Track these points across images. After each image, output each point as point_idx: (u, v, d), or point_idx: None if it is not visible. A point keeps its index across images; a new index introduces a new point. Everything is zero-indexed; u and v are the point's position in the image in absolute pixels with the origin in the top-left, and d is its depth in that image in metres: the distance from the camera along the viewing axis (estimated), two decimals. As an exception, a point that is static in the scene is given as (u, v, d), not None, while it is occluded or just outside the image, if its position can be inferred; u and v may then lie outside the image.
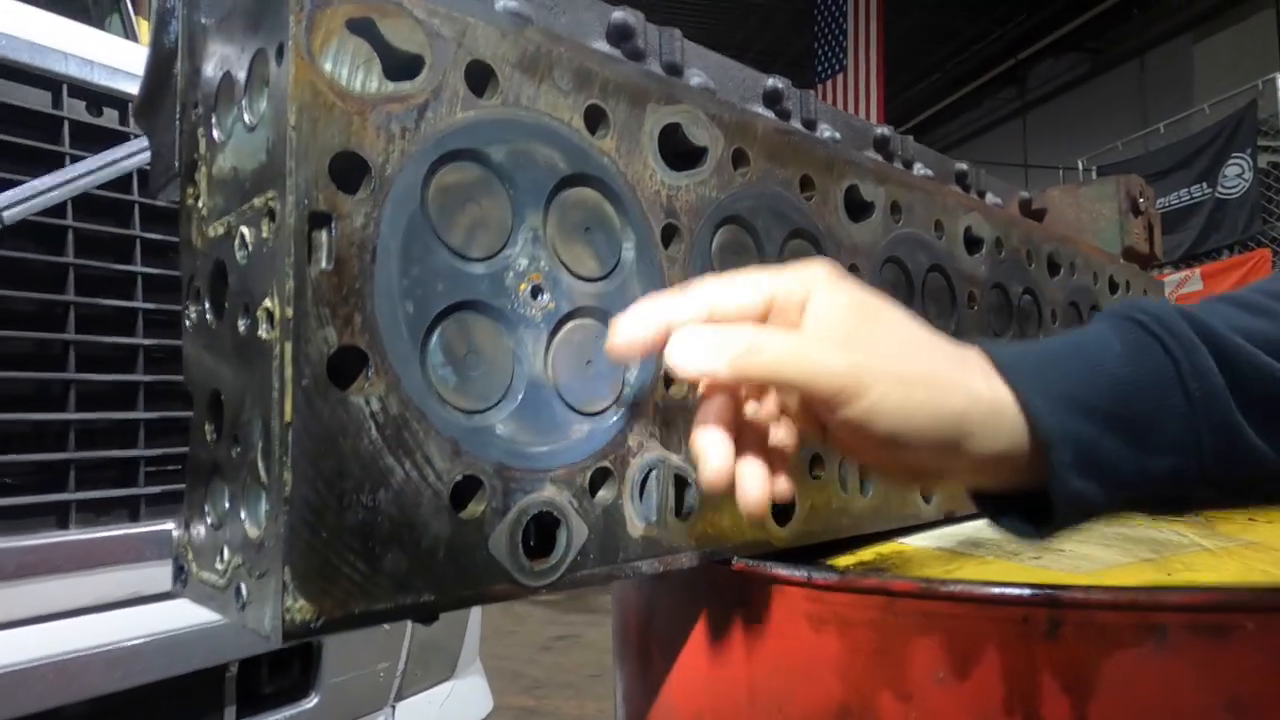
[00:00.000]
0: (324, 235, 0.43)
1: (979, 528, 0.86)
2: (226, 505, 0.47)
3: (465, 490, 0.48)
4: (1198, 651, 0.50)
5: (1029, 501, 0.45)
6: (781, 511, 0.68)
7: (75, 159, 1.26)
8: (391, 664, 1.69)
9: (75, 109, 1.28)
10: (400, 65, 0.47)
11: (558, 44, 0.55)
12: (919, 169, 1.09)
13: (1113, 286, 1.24)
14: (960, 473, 0.46)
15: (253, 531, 0.44)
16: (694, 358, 0.42)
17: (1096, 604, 0.51)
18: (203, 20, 0.53)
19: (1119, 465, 0.44)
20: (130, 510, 1.33)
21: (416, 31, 0.47)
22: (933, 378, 0.44)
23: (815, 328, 0.44)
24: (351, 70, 0.45)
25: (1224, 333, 0.44)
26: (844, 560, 0.70)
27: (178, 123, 0.56)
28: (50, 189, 1.24)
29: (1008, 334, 1.00)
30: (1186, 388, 0.43)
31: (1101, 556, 0.69)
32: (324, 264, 0.43)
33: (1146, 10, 9.44)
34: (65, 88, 1.27)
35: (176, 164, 0.56)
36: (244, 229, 0.46)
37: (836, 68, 7.89)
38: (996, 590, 0.53)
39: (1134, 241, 1.33)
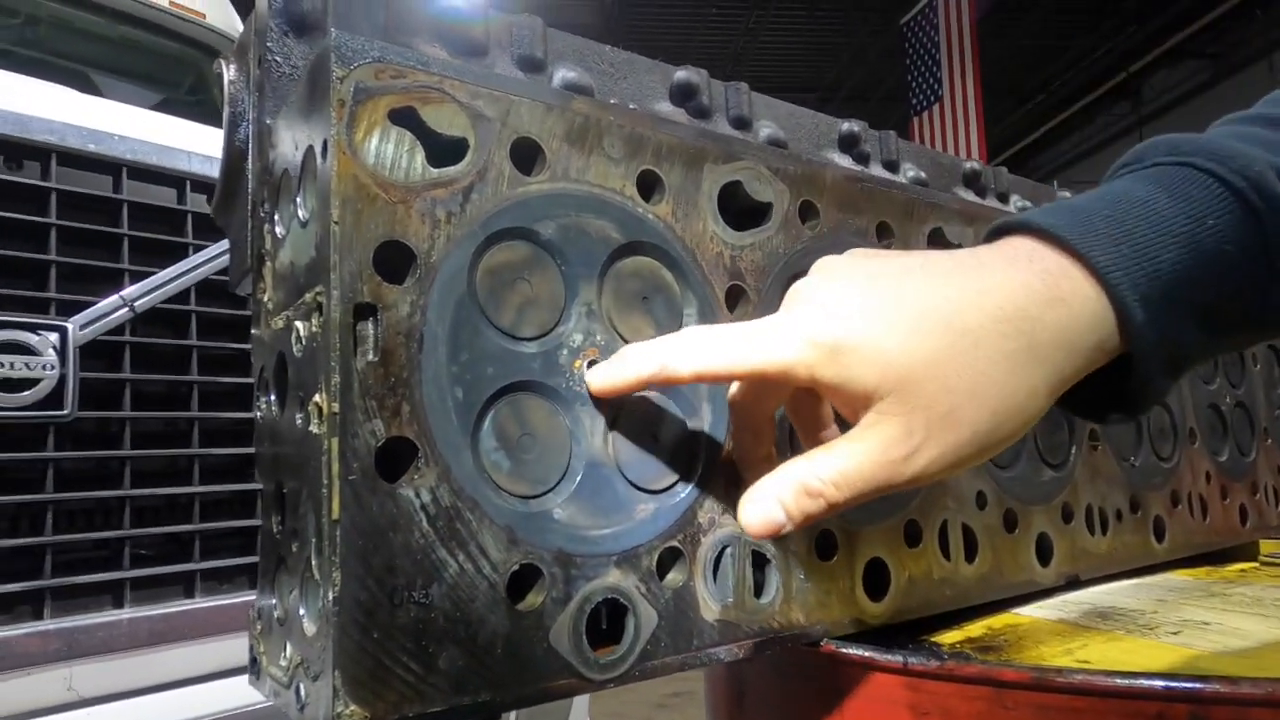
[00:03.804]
0: (370, 327, 0.43)
1: (1104, 594, 0.77)
2: (289, 601, 0.47)
3: (523, 580, 0.46)
4: (1382, 758, 0.42)
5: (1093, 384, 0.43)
6: (876, 585, 0.63)
7: (197, 249, 1.35)
8: (501, 726, 1.69)
9: (197, 202, 1.38)
10: (444, 149, 0.47)
11: (607, 112, 0.54)
12: (1015, 201, 1.03)
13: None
14: None
15: (309, 629, 0.43)
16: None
17: (1249, 699, 0.44)
18: (268, 120, 0.55)
19: (1199, 354, 0.43)
20: (250, 577, 1.39)
21: (460, 115, 0.47)
22: (989, 392, 0.40)
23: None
24: (395, 160, 0.45)
25: None
26: (949, 636, 0.64)
27: (249, 219, 0.58)
28: (175, 278, 1.34)
29: (1128, 375, 0.91)
30: (1273, 265, 0.41)
31: (1254, 631, 0.61)
32: (370, 356, 0.43)
33: (1272, 8, 8.81)
34: (188, 184, 1.37)
35: (249, 259, 0.58)
36: (298, 323, 0.46)
37: (932, 99, 7.70)
38: (1124, 682, 0.46)
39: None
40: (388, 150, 0.45)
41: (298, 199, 0.48)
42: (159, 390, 1.30)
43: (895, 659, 0.54)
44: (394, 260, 0.44)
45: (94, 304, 1.21)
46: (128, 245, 1.26)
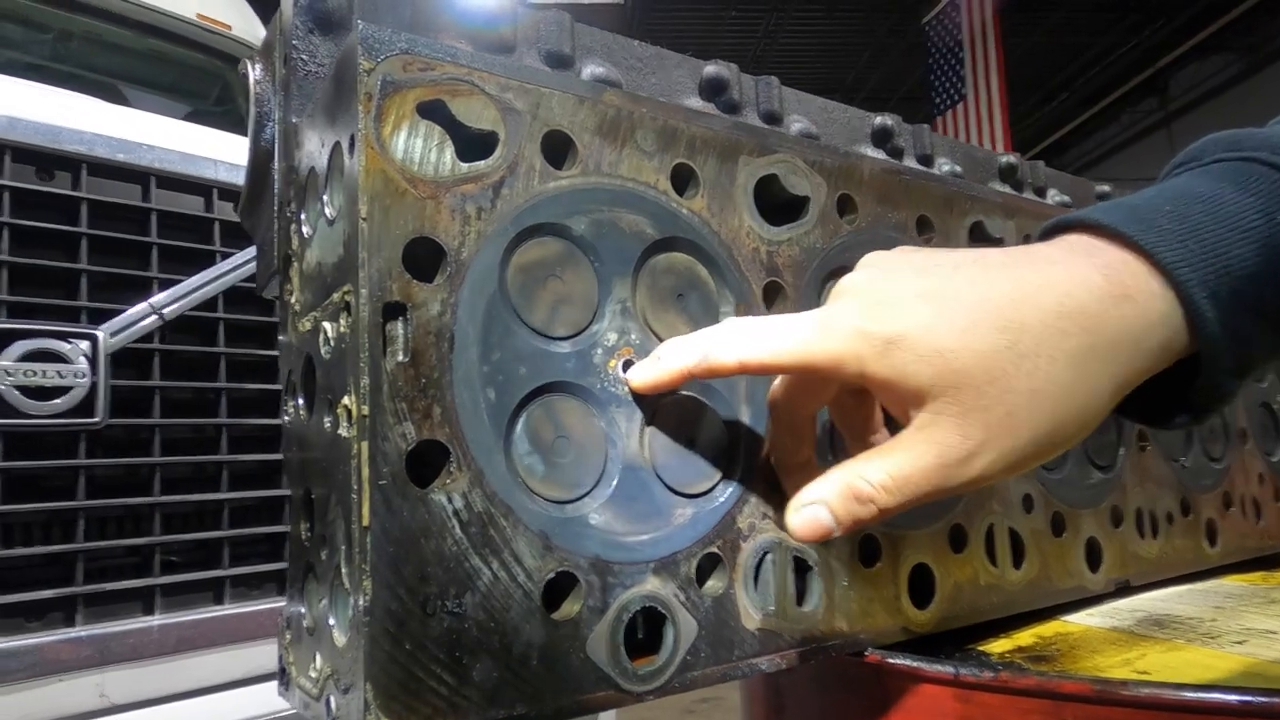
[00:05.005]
0: (399, 326, 0.42)
1: (1157, 601, 0.74)
2: (319, 610, 0.46)
3: (558, 588, 0.45)
4: None
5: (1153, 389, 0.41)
6: (921, 592, 0.60)
7: (225, 256, 1.35)
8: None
9: (224, 210, 1.38)
10: (474, 143, 0.46)
11: (639, 105, 0.52)
12: (1053, 196, 1.00)
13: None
14: None
15: (340, 640, 0.42)
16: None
17: (1330, 713, 0.41)
18: (294, 119, 0.54)
19: (1269, 355, 0.41)
20: (279, 583, 1.38)
21: (489, 108, 0.46)
22: (1054, 395, 0.38)
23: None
24: (424, 155, 0.43)
25: None
26: (998, 645, 0.62)
27: (275, 220, 0.57)
28: (203, 285, 1.34)
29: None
30: None
31: (1326, 640, 0.57)
32: (400, 356, 0.41)
33: (1305, -1, 8.62)
34: (215, 192, 1.38)
35: (275, 260, 0.57)
36: (326, 324, 0.45)
37: (955, 98, 7.61)
38: (1194, 695, 0.43)
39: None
40: (416, 145, 0.43)
41: (324, 197, 0.47)
42: (188, 397, 1.31)
43: (946, 669, 0.52)
44: (423, 258, 0.43)
45: (124, 312, 1.21)
46: (156, 253, 1.27)
